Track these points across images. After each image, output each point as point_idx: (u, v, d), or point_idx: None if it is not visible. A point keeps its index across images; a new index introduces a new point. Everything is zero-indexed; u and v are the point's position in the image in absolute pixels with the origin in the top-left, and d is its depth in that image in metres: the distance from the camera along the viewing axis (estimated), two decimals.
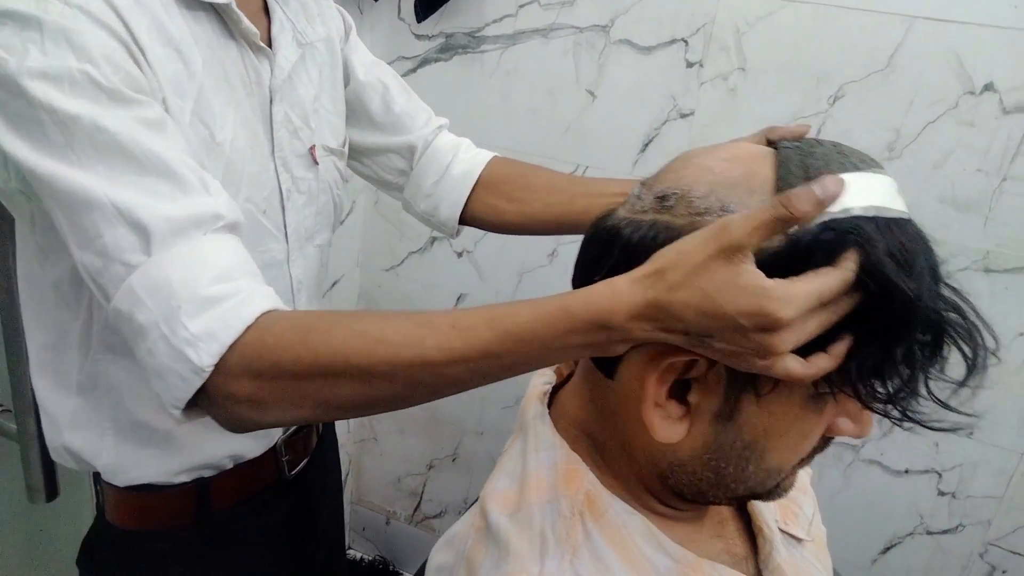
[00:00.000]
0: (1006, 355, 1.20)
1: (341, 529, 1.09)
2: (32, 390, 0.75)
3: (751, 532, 0.62)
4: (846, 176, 0.44)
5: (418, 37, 1.47)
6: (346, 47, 0.90)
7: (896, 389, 0.45)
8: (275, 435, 0.84)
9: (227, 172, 0.67)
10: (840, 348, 0.44)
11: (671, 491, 0.53)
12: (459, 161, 0.93)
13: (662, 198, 0.49)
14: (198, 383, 0.52)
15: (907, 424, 0.46)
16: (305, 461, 0.90)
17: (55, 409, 0.73)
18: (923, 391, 0.45)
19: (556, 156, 1.43)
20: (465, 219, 0.94)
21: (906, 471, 1.34)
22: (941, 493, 1.32)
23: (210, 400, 0.53)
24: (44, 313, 0.70)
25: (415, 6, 1.40)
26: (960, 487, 1.31)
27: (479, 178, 0.93)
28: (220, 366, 0.52)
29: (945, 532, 1.34)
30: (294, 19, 0.77)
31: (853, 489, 1.38)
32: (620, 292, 0.44)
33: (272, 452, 0.84)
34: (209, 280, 0.53)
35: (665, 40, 1.28)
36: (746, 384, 0.47)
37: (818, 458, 0.54)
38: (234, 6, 0.66)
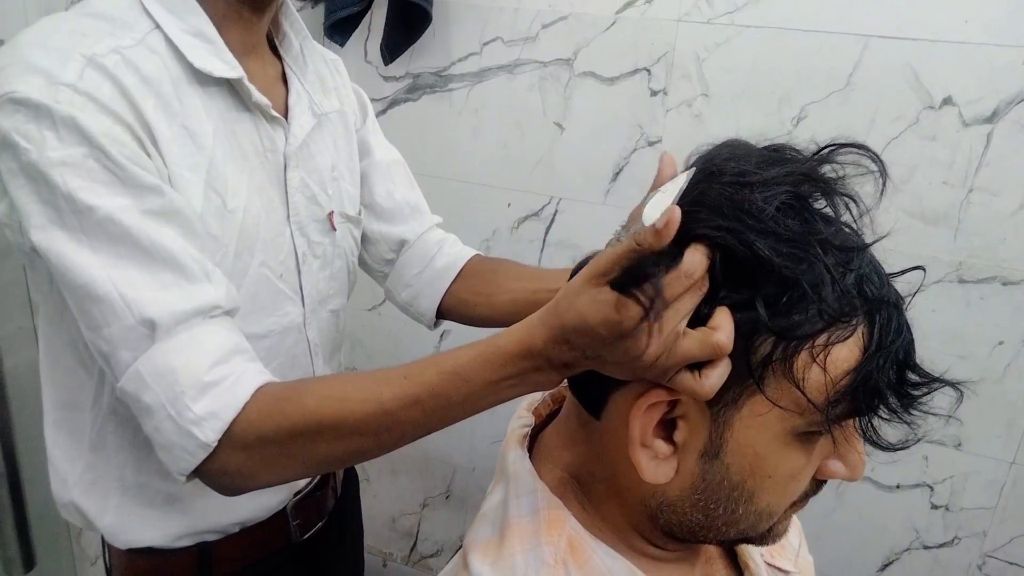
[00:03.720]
0: (986, 364, 1.20)
1: None
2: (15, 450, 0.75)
3: (739, 568, 0.62)
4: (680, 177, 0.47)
5: (386, 79, 1.49)
6: (364, 127, 0.91)
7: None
8: (284, 499, 0.83)
9: (241, 238, 0.69)
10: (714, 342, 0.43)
11: (661, 531, 0.53)
12: (442, 255, 0.94)
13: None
14: (203, 456, 0.58)
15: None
16: (320, 524, 0.89)
17: (66, 466, 0.74)
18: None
19: (528, 189, 1.44)
20: (442, 312, 0.95)
21: (898, 486, 1.33)
22: (934, 506, 1.31)
23: (205, 472, 0.59)
24: (60, 371, 0.72)
25: (381, 49, 1.42)
26: (952, 499, 1.30)
27: (459, 273, 0.93)
28: (219, 441, 0.58)
29: (942, 546, 1.33)
30: (311, 90, 0.79)
31: (847, 507, 1.37)
32: (534, 325, 0.51)
33: (281, 516, 0.83)
34: (208, 365, 0.58)
35: (628, 70, 1.30)
36: (729, 418, 0.47)
37: None
38: (245, 81, 0.68)
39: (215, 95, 0.68)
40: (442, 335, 1.63)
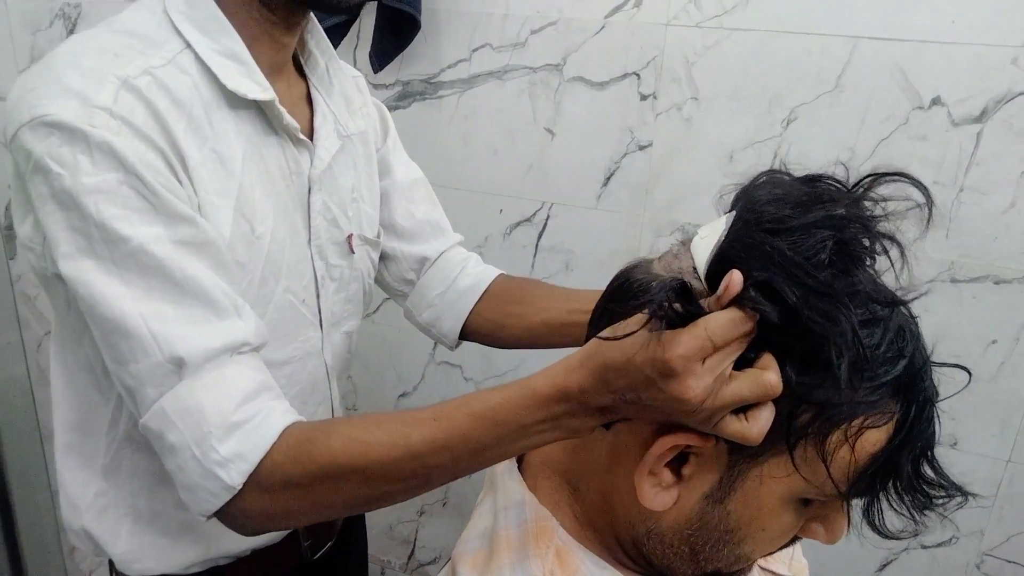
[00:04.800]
0: (980, 363, 1.20)
1: None
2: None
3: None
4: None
5: (376, 87, 1.48)
6: (385, 146, 0.90)
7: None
8: None
9: (267, 264, 0.67)
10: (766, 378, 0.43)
11: (642, 556, 0.53)
12: (466, 275, 0.92)
13: None
14: (227, 498, 0.56)
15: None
16: (330, 544, 0.89)
17: (77, 491, 0.73)
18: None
19: (521, 195, 1.43)
20: (466, 333, 0.93)
21: None
22: None
23: (226, 513, 0.58)
24: (74, 394, 0.71)
25: (371, 57, 1.41)
26: None
27: (483, 293, 0.91)
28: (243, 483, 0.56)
29: (939, 545, 1.33)
30: (337, 111, 0.78)
31: None
32: (572, 367, 0.48)
33: (293, 538, 0.83)
34: (236, 404, 0.57)
35: (617, 75, 1.30)
36: (745, 470, 0.47)
37: None
38: (277, 103, 0.66)
39: (245, 118, 0.66)
40: (435, 343, 1.62)
